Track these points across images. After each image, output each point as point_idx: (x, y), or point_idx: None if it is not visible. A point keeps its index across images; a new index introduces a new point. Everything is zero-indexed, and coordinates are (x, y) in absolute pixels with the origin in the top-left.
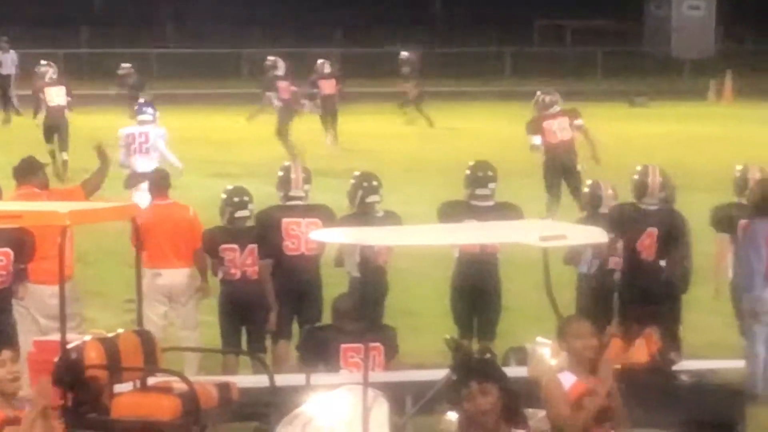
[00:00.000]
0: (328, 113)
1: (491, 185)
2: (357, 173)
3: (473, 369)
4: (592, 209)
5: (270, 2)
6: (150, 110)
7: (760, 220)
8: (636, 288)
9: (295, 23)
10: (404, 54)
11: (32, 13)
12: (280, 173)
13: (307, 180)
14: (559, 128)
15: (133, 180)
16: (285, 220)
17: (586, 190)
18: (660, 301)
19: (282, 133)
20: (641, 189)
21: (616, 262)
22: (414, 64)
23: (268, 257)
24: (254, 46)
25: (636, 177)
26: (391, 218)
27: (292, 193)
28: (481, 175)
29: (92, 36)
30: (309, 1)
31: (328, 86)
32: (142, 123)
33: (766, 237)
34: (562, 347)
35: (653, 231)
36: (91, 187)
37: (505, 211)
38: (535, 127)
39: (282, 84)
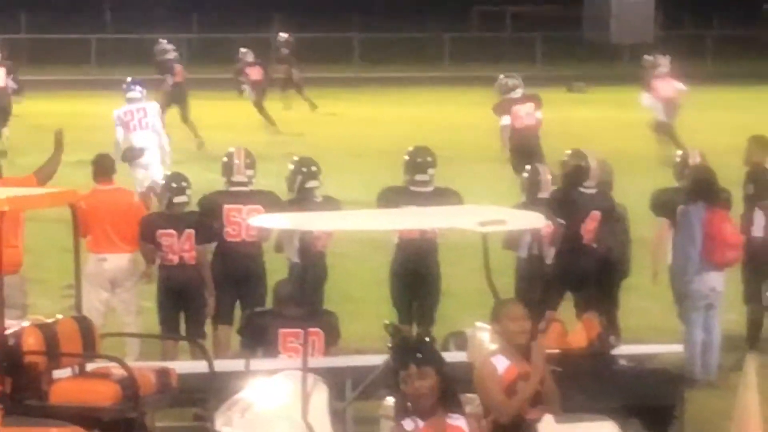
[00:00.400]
0: (261, 99)
1: (430, 171)
2: (296, 158)
3: (412, 352)
4: (531, 194)
5: None
6: (139, 88)
7: (694, 204)
8: (575, 272)
9: (233, 8)
10: (282, 36)
11: None
12: (224, 159)
13: (250, 165)
14: (526, 113)
15: (131, 154)
16: (226, 207)
17: (525, 175)
18: (599, 286)
19: (184, 116)
20: (582, 173)
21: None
22: (292, 47)
23: (210, 242)
24: (193, 31)
25: (571, 161)
26: (330, 203)
27: (234, 179)
28: (420, 161)
29: (31, 22)
30: None
31: (254, 73)
32: (131, 101)
33: (701, 221)
34: (496, 330)
35: (596, 214)
36: (43, 176)
37: (445, 196)
38: (504, 108)
39: (178, 67)
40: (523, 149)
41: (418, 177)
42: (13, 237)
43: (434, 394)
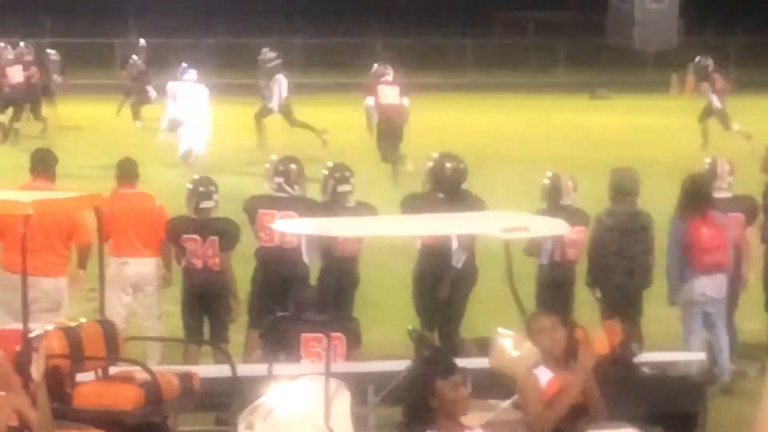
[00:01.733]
0: (16, 102)
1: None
2: (330, 164)
3: (451, 360)
4: (552, 201)
5: None
6: (193, 71)
7: (682, 215)
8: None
9: (254, 13)
10: (142, 41)
11: None
12: (267, 165)
13: (281, 173)
14: (390, 94)
15: (174, 125)
16: (261, 211)
17: (546, 182)
18: (622, 293)
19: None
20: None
21: (575, 253)
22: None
23: (233, 249)
24: (215, 36)
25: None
26: (364, 208)
27: (269, 185)
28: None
29: (55, 25)
30: None
31: (14, 73)
32: (186, 81)
33: (678, 231)
34: (534, 343)
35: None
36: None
37: (467, 202)
38: (370, 89)
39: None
40: (389, 128)
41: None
42: (61, 242)
43: (468, 403)
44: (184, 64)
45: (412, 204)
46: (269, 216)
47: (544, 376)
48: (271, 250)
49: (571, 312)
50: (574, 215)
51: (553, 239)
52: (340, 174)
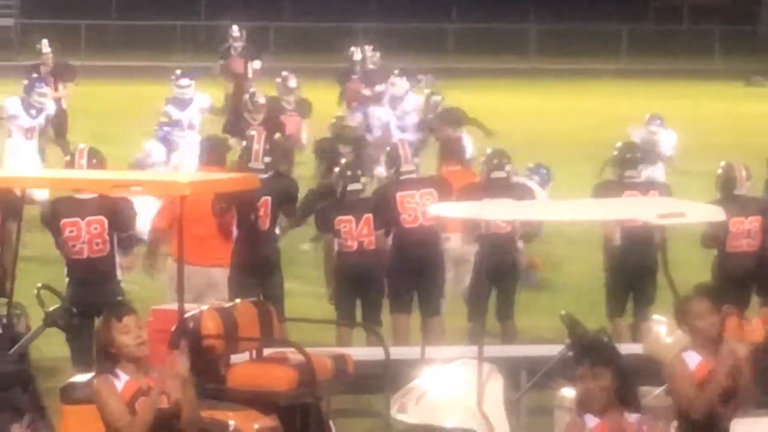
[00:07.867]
0: None
1: (640, 167)
2: (489, 150)
3: (587, 350)
4: (726, 191)
5: None
6: None
7: None
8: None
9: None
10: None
11: None
12: (387, 149)
13: (415, 154)
14: None
15: None
16: (399, 194)
17: (719, 171)
18: None
19: None
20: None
21: (750, 243)
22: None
23: (388, 228)
24: (368, 20)
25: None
26: (520, 189)
27: (402, 168)
28: (629, 157)
29: (208, 7)
30: None
31: None
32: None
33: None
34: (684, 328)
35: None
36: None
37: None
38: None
39: None
40: None
41: (629, 173)
42: (227, 231)
43: (605, 395)
44: None
45: (603, 192)
46: (410, 197)
47: (693, 360)
48: (413, 231)
49: (744, 303)
50: (748, 205)
51: (718, 228)
52: (498, 160)
